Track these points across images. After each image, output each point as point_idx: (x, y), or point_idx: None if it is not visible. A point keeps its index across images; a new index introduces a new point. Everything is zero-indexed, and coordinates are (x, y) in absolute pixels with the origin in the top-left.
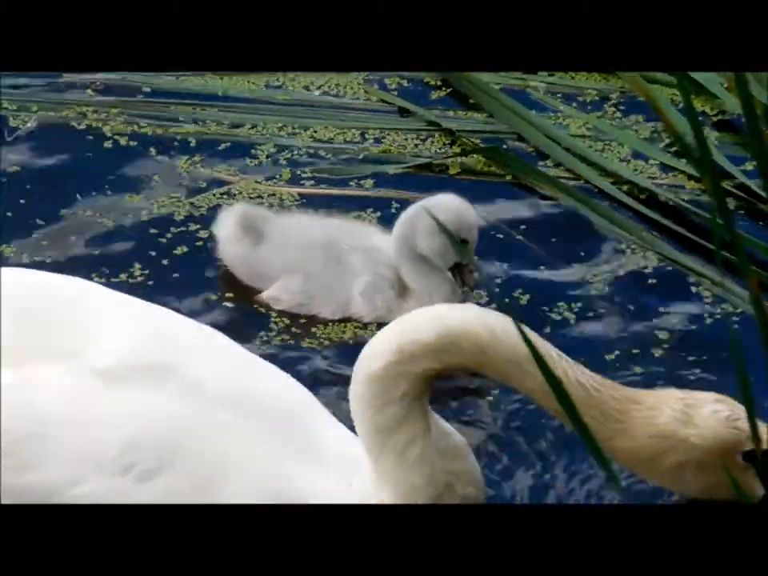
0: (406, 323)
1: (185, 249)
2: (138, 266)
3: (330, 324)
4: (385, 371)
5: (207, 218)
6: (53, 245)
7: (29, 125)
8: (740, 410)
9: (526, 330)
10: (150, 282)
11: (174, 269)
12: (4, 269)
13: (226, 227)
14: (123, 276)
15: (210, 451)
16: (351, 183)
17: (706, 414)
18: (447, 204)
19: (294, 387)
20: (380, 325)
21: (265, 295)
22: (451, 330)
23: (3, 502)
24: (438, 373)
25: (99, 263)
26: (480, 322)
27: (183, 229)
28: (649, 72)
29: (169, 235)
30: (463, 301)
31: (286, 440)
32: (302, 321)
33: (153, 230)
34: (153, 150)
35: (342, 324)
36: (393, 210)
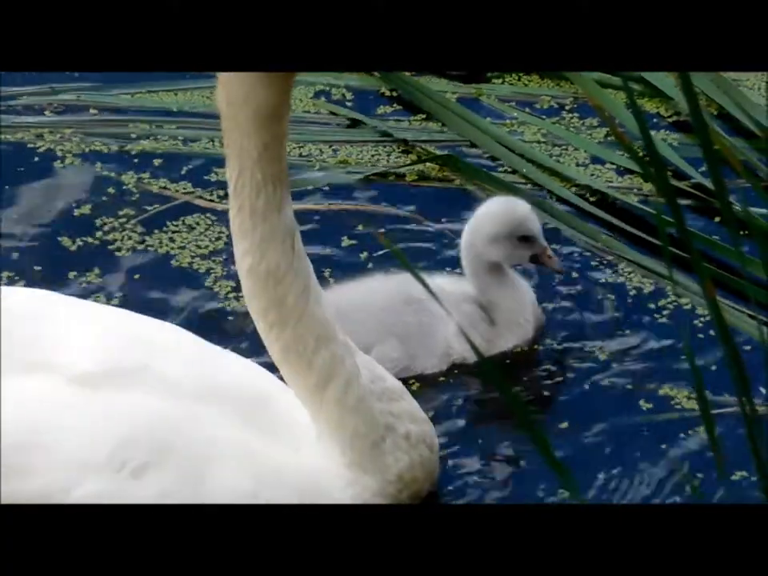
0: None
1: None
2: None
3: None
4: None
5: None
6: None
7: None
8: None
9: None
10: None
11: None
12: None
13: None
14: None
15: (194, 442)
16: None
17: None
18: (493, 211)
19: (261, 373)
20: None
21: None
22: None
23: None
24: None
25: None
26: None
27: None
28: (600, 73)
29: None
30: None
31: (259, 423)
32: (411, 382)
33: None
34: (100, 166)
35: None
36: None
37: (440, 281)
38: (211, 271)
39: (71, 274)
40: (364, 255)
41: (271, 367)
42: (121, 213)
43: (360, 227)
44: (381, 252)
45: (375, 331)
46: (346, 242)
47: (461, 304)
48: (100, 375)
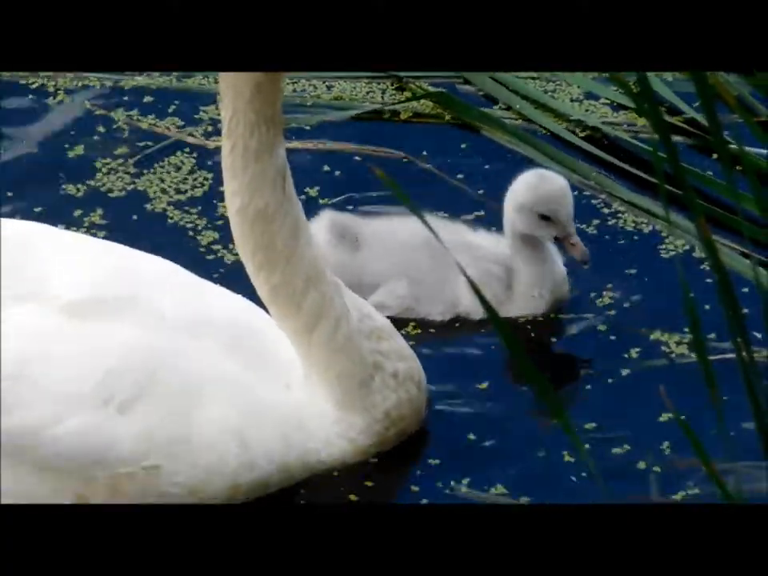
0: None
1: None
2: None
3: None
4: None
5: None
6: None
7: None
8: None
9: None
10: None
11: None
12: None
13: (319, 236)
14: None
15: (183, 375)
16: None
17: None
18: (524, 182)
19: (250, 309)
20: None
21: (370, 302)
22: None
23: None
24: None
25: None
26: None
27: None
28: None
29: None
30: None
31: (247, 358)
32: (412, 325)
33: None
34: (91, 102)
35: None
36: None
37: (473, 236)
38: (201, 215)
39: (65, 216)
40: (325, 201)
41: (259, 305)
42: (116, 153)
43: (326, 167)
44: (340, 198)
45: (389, 267)
46: (311, 191)
47: (482, 260)
48: (88, 305)
